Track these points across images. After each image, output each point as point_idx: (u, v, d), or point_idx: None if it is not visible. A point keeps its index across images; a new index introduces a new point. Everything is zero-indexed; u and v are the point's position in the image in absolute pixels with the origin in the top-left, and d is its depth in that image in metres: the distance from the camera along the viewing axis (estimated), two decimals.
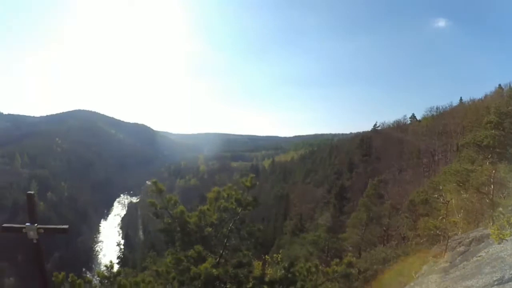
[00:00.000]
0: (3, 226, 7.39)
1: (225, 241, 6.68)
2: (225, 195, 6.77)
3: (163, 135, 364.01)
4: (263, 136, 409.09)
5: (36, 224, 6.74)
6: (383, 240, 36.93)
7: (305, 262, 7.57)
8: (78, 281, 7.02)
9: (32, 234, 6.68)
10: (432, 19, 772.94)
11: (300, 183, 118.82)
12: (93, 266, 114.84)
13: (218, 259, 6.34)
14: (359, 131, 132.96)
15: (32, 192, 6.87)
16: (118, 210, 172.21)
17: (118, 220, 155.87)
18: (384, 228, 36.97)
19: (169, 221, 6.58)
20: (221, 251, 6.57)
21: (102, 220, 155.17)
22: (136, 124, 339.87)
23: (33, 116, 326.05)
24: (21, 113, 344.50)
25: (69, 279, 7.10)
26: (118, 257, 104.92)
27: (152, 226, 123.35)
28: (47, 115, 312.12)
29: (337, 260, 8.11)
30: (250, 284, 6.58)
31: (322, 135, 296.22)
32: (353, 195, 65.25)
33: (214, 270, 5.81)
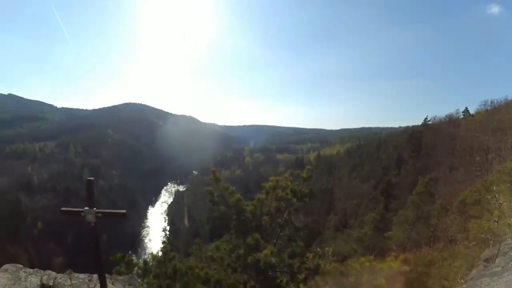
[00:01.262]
0: (62, 210, 7.75)
1: (279, 231, 6.65)
2: (283, 185, 6.72)
3: (210, 127, 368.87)
4: (309, 129, 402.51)
5: (94, 208, 7.12)
6: (429, 241, 35.52)
7: (358, 257, 7.42)
8: (134, 262, 7.21)
9: (90, 218, 7.13)
10: (484, 5, 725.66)
11: (345, 178, 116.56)
12: (139, 249, 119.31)
13: (272, 248, 6.32)
14: (408, 125, 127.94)
15: (91, 178, 7.32)
16: (165, 198, 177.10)
17: (165, 207, 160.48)
18: (432, 229, 35.40)
19: (225, 209, 6.62)
20: (274, 241, 6.55)
21: (150, 206, 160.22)
22: (183, 116, 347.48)
23: (86, 109, 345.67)
24: (74, 107, 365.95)
25: (125, 260, 7.31)
26: (163, 242, 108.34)
27: (197, 214, 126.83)
28: (99, 108, 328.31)
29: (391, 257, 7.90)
30: (303, 275, 6.54)
31: (369, 128, 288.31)
32: (400, 192, 63.07)
33: (272, 259, 5.81)
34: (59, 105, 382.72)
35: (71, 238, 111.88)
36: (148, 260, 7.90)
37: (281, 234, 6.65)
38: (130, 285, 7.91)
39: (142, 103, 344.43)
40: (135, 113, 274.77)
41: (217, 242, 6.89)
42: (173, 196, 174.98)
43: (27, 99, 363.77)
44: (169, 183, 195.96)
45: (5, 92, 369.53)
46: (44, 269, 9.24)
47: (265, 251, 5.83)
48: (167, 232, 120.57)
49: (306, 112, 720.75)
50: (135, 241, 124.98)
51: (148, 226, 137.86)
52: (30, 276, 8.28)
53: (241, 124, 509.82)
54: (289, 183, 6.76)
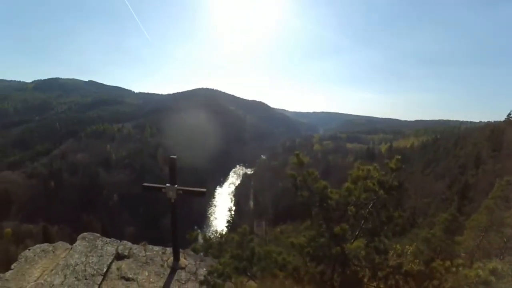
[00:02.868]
0: (144, 185, 8.06)
1: (362, 223, 6.27)
2: (372, 175, 6.32)
3: (280, 112, 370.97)
4: (381, 118, 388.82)
5: (176, 186, 7.43)
6: (501, 253, 32.76)
7: (444, 260, 6.85)
8: (211, 240, 7.27)
9: (171, 194, 7.42)
10: None
11: (417, 174, 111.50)
12: (205, 226, 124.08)
13: (353, 241, 5.98)
14: (490, 120, 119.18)
15: (175, 156, 7.56)
16: (233, 180, 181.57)
17: (232, 188, 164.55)
18: (505, 239, 32.57)
19: (307, 194, 6.34)
20: (356, 233, 6.19)
21: (218, 187, 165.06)
22: (254, 101, 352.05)
23: (161, 94, 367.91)
24: (150, 92, 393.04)
25: (202, 237, 7.43)
26: (227, 221, 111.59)
27: (262, 197, 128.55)
28: (173, 93, 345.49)
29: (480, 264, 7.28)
30: (385, 272, 6.16)
31: (447, 121, 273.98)
32: (476, 194, 58.94)
33: (362, 252, 5.49)
34: (136, 90, 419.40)
35: (143, 210, 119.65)
36: (213, 236, 8.02)
37: (363, 227, 6.27)
38: (201, 261, 7.99)
39: (214, 88, 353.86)
40: (207, 98, 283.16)
41: (300, 228, 6.65)
42: (241, 178, 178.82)
43: (107, 85, 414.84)
44: (237, 166, 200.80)
45: (86, 79, 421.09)
46: (117, 237, 9.67)
47: (356, 243, 5.54)
48: (232, 212, 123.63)
49: (380, 101, 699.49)
50: (202, 217, 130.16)
51: (215, 205, 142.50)
52: (106, 245, 8.59)
53: (311, 110, 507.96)
54: (376, 173, 6.34)
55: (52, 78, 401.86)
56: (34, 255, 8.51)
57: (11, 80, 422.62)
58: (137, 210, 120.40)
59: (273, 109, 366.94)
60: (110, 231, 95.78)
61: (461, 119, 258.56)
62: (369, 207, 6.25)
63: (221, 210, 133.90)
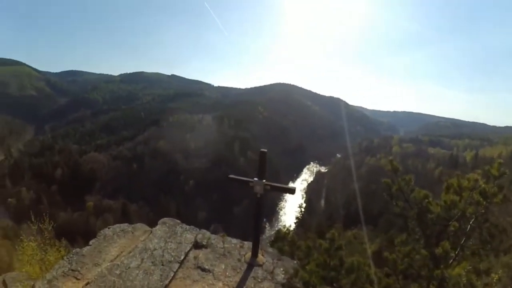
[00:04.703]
0: (230, 177, 7.87)
1: (463, 240, 5.45)
2: (481, 185, 5.48)
3: (358, 110, 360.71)
4: (468, 122, 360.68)
5: (264, 180, 7.14)
6: None
7: None
8: (298, 243, 7.00)
9: (258, 189, 7.15)
10: None
11: (505, 189, 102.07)
12: (273, 219, 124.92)
13: (451, 261, 5.21)
14: None
15: (265, 150, 7.31)
16: (306, 176, 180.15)
17: (304, 185, 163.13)
18: None
19: (403, 205, 5.66)
20: (455, 252, 5.37)
21: (290, 182, 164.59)
22: (331, 98, 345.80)
23: (239, 88, 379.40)
24: (229, 86, 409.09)
25: (289, 238, 7.21)
26: (296, 218, 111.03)
27: (334, 197, 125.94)
28: (251, 87, 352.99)
29: None
30: None
31: None
32: None
33: (464, 279, 4.67)
34: (216, 84, 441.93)
35: (216, 198, 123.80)
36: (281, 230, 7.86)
37: (464, 244, 5.44)
38: (279, 260, 7.69)
39: (291, 83, 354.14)
40: (284, 93, 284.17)
41: (395, 241, 5.97)
42: (314, 175, 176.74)
43: (188, 79, 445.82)
44: (311, 163, 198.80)
45: (169, 73, 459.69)
46: (189, 221, 9.96)
47: (457, 269, 4.79)
48: (303, 209, 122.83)
49: (467, 102, 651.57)
50: (271, 211, 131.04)
51: (285, 200, 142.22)
52: (185, 232, 8.67)
53: (392, 109, 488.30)
54: (481, 182, 5.49)
55: (137, 72, 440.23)
56: (113, 234, 8.84)
57: (100, 73, 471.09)
58: (210, 196, 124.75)
59: (351, 106, 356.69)
60: (184, 214, 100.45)
61: None
62: (471, 222, 5.44)
63: (291, 206, 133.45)
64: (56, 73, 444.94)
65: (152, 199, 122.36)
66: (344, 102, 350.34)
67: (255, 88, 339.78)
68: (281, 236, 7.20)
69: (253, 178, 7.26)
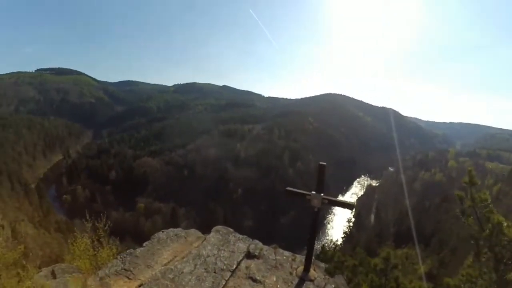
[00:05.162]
0: (287, 190, 7.70)
1: None
2: None
3: (412, 121, 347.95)
4: None
5: (321, 194, 6.97)
6: None
7: None
8: (346, 263, 6.64)
9: (315, 203, 6.98)
10: None
11: None
12: (320, 233, 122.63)
13: None
14: None
15: (324, 163, 7.12)
16: (356, 190, 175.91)
17: (354, 199, 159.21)
18: None
19: (475, 226, 5.02)
20: None
21: (340, 195, 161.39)
22: (384, 108, 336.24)
23: (290, 98, 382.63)
24: (279, 96, 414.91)
25: (336, 258, 6.92)
26: (344, 232, 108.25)
27: (384, 213, 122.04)
28: (301, 98, 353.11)
29: None
30: None
31: None
32: None
33: None
34: (266, 94, 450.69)
35: (264, 207, 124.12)
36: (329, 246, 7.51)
37: None
38: (331, 276, 7.34)
39: (342, 93, 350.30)
40: (335, 103, 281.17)
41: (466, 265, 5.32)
42: (364, 189, 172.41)
43: (239, 89, 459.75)
44: (362, 176, 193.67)
45: (220, 84, 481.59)
46: (236, 228, 9.87)
47: None
48: (351, 224, 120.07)
49: None
50: (319, 223, 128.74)
51: (333, 213, 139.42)
52: (238, 241, 8.69)
53: (448, 121, 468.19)
54: None
55: (190, 83, 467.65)
56: (167, 238, 9.01)
57: (155, 84, 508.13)
58: (258, 206, 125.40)
59: (404, 117, 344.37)
60: (230, 222, 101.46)
61: None
62: None
63: (339, 220, 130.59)
64: (114, 83, 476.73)
65: (200, 204, 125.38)
66: (397, 112, 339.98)
67: (306, 98, 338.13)
68: (328, 257, 6.82)
69: (310, 191, 7.15)
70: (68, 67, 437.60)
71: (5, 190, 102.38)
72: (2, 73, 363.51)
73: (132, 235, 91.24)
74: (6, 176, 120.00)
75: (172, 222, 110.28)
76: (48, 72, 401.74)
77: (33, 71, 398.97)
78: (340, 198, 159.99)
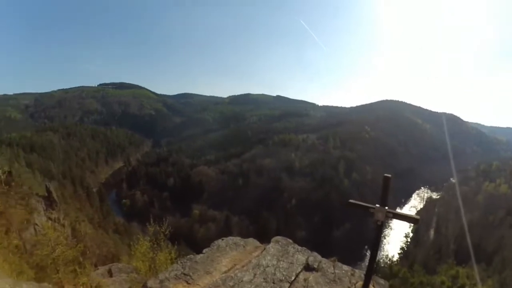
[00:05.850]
0: (350, 202, 7.55)
1: None
2: None
3: (474, 127, 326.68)
4: None
5: (386, 207, 6.91)
6: None
7: None
8: (412, 280, 6.45)
9: (379, 216, 6.88)
10: None
11: None
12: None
13: None
14: None
15: (389, 176, 7.14)
16: (415, 203, 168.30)
17: (413, 212, 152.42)
18: None
19: None
20: None
21: (398, 208, 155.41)
22: (443, 114, 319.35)
23: (344, 107, 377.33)
24: (334, 105, 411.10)
25: (401, 275, 6.75)
26: (401, 248, 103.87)
27: (445, 228, 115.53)
28: (356, 106, 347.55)
29: None
30: None
31: None
32: None
33: None
34: (320, 103, 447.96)
35: (317, 218, 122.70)
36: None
37: None
38: None
39: (399, 99, 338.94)
40: (392, 111, 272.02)
41: None
42: (424, 202, 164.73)
43: (292, 99, 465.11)
44: (422, 187, 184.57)
45: (274, 94, 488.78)
46: (288, 237, 9.88)
47: None
48: (408, 239, 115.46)
49: None
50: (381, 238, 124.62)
51: (390, 227, 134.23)
52: (297, 253, 8.71)
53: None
54: None
55: (244, 94, 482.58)
56: (226, 246, 9.25)
57: (210, 96, 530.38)
58: (311, 217, 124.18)
59: (465, 123, 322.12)
60: (283, 232, 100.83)
61: None
62: None
63: (396, 234, 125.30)
64: (172, 95, 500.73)
65: (254, 213, 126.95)
66: (458, 118, 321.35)
67: (361, 106, 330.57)
68: (392, 273, 6.65)
69: (370, 203, 7.10)
70: (128, 82, 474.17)
71: (68, 193, 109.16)
72: (68, 87, 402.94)
73: (186, 241, 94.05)
74: (69, 180, 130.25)
75: (226, 230, 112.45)
76: (110, 86, 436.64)
77: (96, 85, 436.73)
78: (398, 211, 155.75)
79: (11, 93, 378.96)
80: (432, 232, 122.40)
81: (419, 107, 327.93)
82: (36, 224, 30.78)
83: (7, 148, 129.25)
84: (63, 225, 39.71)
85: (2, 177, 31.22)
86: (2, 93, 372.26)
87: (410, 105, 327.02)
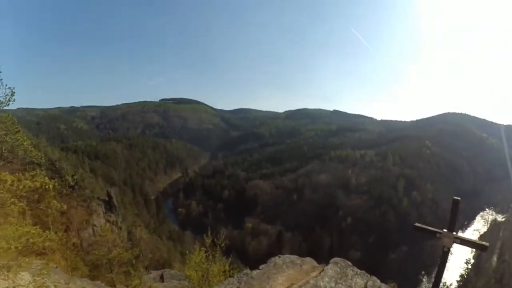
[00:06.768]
0: (415, 226, 7.72)
1: None
2: None
3: None
4: None
5: (454, 233, 6.92)
6: None
7: None
8: None
9: (446, 242, 6.93)
10: None
11: None
12: (433, 272, 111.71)
13: None
14: None
15: (458, 198, 7.02)
16: (479, 226, 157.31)
17: (476, 236, 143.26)
18: None
19: None
20: None
21: (460, 231, 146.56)
22: (510, 126, 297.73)
23: (404, 121, 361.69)
24: (393, 119, 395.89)
25: None
26: (460, 276, 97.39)
27: (509, 255, 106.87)
28: (416, 120, 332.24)
29: None
30: None
31: None
32: None
33: None
34: (378, 117, 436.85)
35: (373, 239, 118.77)
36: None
37: None
38: None
39: (463, 112, 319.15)
40: (454, 124, 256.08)
41: None
42: (488, 225, 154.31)
43: (350, 113, 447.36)
44: (486, 209, 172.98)
45: (330, 109, 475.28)
46: (341, 257, 9.97)
47: None
48: (469, 266, 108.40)
49: None
50: (432, 262, 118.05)
51: (450, 252, 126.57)
52: (356, 276, 8.69)
53: None
54: None
55: (300, 109, 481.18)
56: (283, 264, 9.50)
57: (266, 111, 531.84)
58: (367, 237, 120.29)
59: None
60: (336, 251, 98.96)
61: None
62: None
63: (457, 259, 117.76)
64: (229, 110, 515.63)
65: (307, 230, 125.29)
66: None
67: (422, 120, 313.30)
68: None
69: (439, 228, 7.11)
70: (188, 97, 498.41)
71: (128, 199, 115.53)
72: (130, 102, 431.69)
73: (237, 252, 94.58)
74: (129, 187, 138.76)
75: (277, 244, 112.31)
76: (170, 101, 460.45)
77: (157, 100, 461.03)
78: (460, 235, 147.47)
79: (79, 106, 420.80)
80: (495, 258, 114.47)
81: (484, 120, 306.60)
82: (95, 225, 33.22)
83: (73, 154, 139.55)
84: (120, 228, 41.86)
85: (69, 180, 34.12)
86: (70, 105, 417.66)
87: (474, 117, 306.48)
